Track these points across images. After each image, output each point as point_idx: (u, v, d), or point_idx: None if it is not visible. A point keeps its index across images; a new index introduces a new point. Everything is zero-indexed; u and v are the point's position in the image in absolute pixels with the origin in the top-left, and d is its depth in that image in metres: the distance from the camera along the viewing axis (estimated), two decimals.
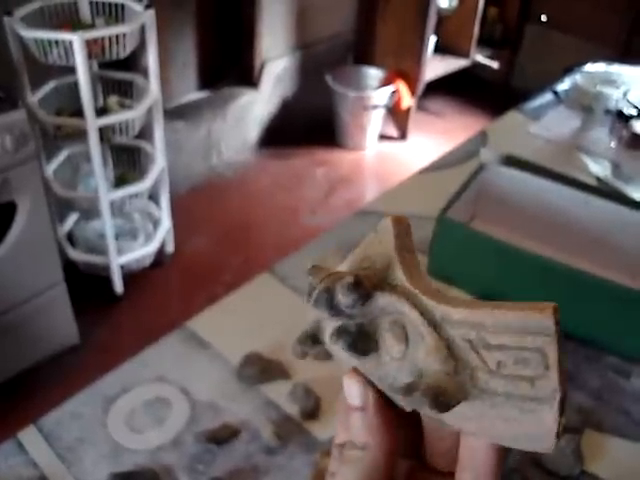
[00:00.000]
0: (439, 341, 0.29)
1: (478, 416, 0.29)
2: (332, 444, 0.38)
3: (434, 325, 0.30)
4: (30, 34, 1.98)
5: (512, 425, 0.28)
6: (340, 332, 0.32)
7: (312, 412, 1.00)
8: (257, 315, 1.19)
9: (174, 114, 3.06)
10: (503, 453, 0.32)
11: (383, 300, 0.31)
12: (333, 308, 0.31)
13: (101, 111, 2.25)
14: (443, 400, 0.28)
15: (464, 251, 1.23)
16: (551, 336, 0.27)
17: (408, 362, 0.31)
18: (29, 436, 0.96)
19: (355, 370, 0.34)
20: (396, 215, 0.35)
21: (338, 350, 0.33)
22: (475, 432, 0.31)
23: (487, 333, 0.28)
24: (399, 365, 0.31)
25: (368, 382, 0.34)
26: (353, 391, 0.34)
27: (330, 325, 0.33)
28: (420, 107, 4.04)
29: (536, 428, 0.28)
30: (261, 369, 1.05)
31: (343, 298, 0.31)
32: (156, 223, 2.66)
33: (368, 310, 0.32)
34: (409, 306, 0.31)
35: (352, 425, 0.34)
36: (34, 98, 2.15)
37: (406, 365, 0.31)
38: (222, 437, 0.97)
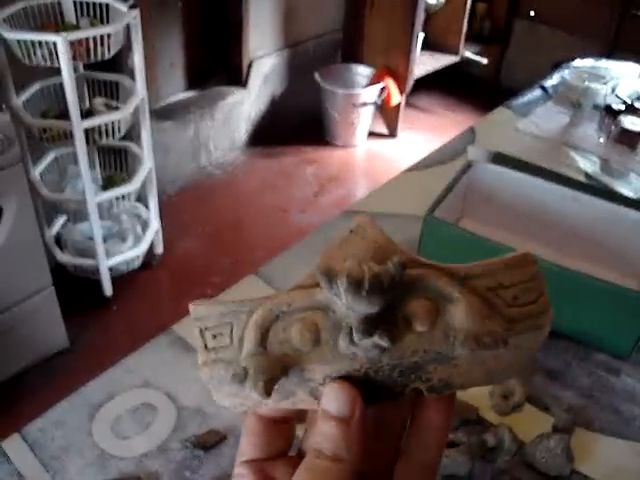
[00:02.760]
0: (472, 296, 0.33)
1: (495, 355, 0.34)
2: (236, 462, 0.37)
3: (461, 284, 0.33)
4: (13, 35, 1.96)
5: (521, 351, 0.34)
6: (372, 323, 0.32)
7: (298, 416, 0.99)
8: None
9: (161, 114, 3.05)
10: (446, 438, 0.36)
11: (409, 279, 0.33)
12: (384, 293, 0.31)
13: (87, 113, 2.23)
14: (499, 337, 0.32)
15: (452, 250, 1.22)
16: (538, 264, 0.36)
17: (439, 329, 0.32)
18: (13, 445, 0.94)
19: (345, 379, 0.33)
20: (364, 217, 0.36)
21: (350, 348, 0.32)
22: (482, 377, 0.35)
23: (502, 277, 0.34)
24: (428, 337, 0.32)
25: (358, 392, 0.33)
26: (342, 400, 0.33)
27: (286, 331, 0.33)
28: (409, 104, 4.04)
29: (537, 342, 0.35)
30: None
31: (393, 280, 0.31)
32: (145, 225, 2.65)
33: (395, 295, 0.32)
34: (436, 275, 0.33)
35: (326, 435, 0.33)
36: (18, 100, 2.13)
37: (437, 333, 0.32)
38: (209, 442, 0.95)
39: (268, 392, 0.32)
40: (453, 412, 0.36)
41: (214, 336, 0.35)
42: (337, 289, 0.31)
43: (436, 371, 0.33)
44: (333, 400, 0.33)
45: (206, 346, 0.35)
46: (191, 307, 0.36)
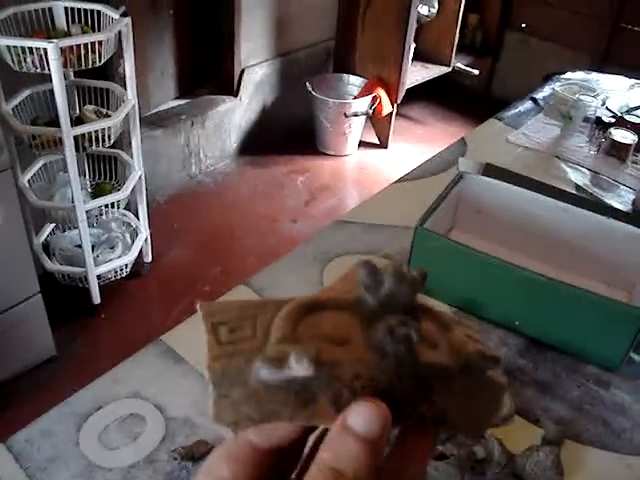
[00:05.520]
0: (452, 346, 0.35)
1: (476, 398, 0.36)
2: None
3: (445, 329, 0.35)
4: (3, 41, 1.95)
5: (488, 394, 0.37)
6: (405, 318, 0.33)
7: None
8: None
9: (152, 122, 3.04)
10: (426, 466, 0.35)
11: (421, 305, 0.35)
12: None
13: (77, 120, 2.22)
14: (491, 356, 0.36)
15: (442, 262, 1.22)
16: None
17: (443, 349, 0.34)
18: None
19: (377, 399, 0.32)
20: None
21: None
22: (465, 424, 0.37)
23: (465, 326, 0.37)
24: (437, 352, 0.34)
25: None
26: (375, 420, 0.31)
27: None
28: (401, 114, 4.05)
29: (494, 392, 0.38)
30: None
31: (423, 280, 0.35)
32: (134, 233, 2.63)
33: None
34: (435, 310, 0.36)
35: (352, 455, 0.30)
36: (8, 107, 2.12)
37: (443, 351, 0.34)
38: (197, 453, 0.95)
39: (313, 363, 0.31)
40: (435, 445, 0.36)
41: (232, 330, 0.33)
42: (381, 277, 0.33)
43: (440, 396, 0.34)
44: (365, 419, 0.31)
45: (219, 340, 0.33)
46: (199, 304, 0.34)
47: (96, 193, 2.45)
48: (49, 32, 2.15)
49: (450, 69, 4.11)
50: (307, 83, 3.63)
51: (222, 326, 0.33)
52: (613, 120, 1.95)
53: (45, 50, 1.92)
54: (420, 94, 4.10)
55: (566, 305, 1.13)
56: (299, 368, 0.30)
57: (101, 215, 2.43)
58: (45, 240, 2.54)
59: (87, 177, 2.57)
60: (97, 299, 2.47)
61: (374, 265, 0.34)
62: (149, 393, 1.04)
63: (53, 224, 2.56)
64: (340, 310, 0.34)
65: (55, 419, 0.99)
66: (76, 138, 2.11)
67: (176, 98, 3.28)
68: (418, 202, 1.30)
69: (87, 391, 1.04)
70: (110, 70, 2.50)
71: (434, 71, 4.06)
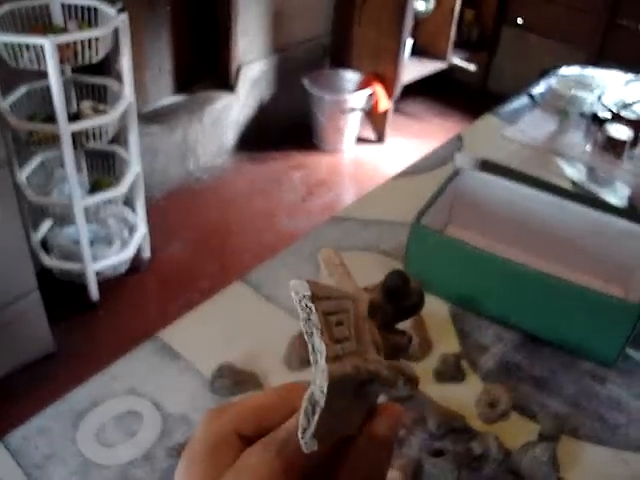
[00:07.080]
0: None
1: None
2: None
3: None
4: (0, 38, 1.95)
5: None
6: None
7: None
8: (230, 325, 1.18)
9: (149, 118, 3.04)
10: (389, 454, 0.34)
11: None
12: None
13: (74, 116, 2.22)
14: None
15: (438, 258, 1.22)
16: None
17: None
18: None
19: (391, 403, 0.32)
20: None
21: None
22: None
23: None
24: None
25: None
26: (397, 421, 0.32)
27: None
28: (397, 110, 4.04)
29: None
30: (234, 381, 1.03)
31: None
32: (132, 229, 2.63)
33: None
34: None
35: (382, 462, 0.32)
36: (5, 103, 2.12)
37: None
38: None
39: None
40: (397, 428, 0.33)
41: (338, 323, 0.29)
42: (409, 289, 0.35)
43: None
44: (391, 424, 0.32)
45: (332, 336, 0.28)
46: (305, 281, 0.29)
47: (94, 189, 2.45)
48: (46, 28, 2.15)
49: (446, 65, 4.11)
50: (304, 79, 3.62)
51: (330, 317, 0.29)
52: (609, 116, 1.95)
53: (42, 47, 1.93)
54: (417, 90, 4.09)
55: (562, 301, 1.13)
56: (405, 390, 0.30)
57: (99, 211, 2.43)
58: (43, 236, 2.54)
59: (85, 173, 2.57)
60: (95, 295, 2.47)
61: (407, 276, 0.34)
62: (146, 390, 1.04)
63: (51, 220, 2.56)
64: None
65: (52, 416, 0.99)
66: (73, 134, 2.11)
67: (173, 94, 3.28)
68: (414, 198, 1.31)
69: (84, 388, 1.04)
70: (107, 66, 2.49)
71: (430, 67, 4.05)
